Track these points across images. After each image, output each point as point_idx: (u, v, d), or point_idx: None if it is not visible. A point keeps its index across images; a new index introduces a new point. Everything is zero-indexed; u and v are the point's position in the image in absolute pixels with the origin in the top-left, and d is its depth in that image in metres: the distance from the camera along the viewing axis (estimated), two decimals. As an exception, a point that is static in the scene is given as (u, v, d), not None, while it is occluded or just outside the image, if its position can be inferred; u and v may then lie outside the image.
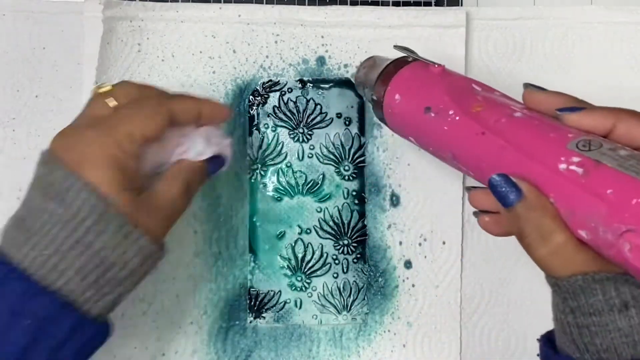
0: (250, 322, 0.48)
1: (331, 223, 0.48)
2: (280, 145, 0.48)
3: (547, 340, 0.34)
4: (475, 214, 0.37)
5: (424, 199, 0.48)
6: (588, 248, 0.30)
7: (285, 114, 0.49)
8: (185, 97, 0.40)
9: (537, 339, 0.35)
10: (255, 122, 0.48)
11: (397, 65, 0.41)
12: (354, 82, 0.46)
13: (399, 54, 0.42)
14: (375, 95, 0.41)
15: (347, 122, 0.49)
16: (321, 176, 0.48)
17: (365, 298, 0.48)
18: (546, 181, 0.30)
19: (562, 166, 0.30)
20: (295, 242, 0.48)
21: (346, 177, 0.48)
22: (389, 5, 0.49)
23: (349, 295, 0.48)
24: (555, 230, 0.30)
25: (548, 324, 0.35)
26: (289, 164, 0.48)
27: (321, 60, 0.49)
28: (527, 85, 0.35)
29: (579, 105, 0.32)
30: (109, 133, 0.34)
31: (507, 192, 0.31)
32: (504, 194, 0.31)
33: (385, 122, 0.42)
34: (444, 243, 0.48)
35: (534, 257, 0.31)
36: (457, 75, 0.40)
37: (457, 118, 0.35)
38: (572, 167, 0.29)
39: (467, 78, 0.40)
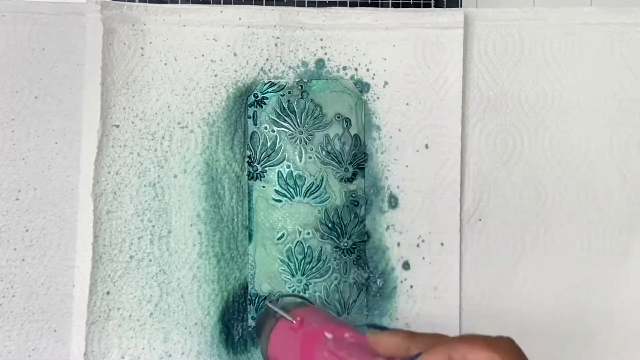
0: (251, 323, 0.48)
1: (330, 225, 0.49)
2: (280, 148, 0.49)
3: None
4: None
5: (422, 201, 0.48)
6: None
7: (284, 117, 0.49)
8: None
9: None
10: (256, 125, 0.49)
11: (270, 324, 0.42)
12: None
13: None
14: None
15: (346, 124, 0.49)
16: (320, 178, 0.49)
17: (365, 300, 0.48)
18: None
19: None
20: (295, 244, 0.48)
21: (345, 179, 0.49)
22: (388, 7, 0.49)
23: (348, 297, 0.48)
24: None
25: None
26: (288, 166, 0.49)
27: (320, 63, 0.49)
28: (369, 327, 0.36)
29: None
30: None
31: None
32: None
33: None
34: (442, 244, 0.48)
35: None
36: (313, 326, 0.39)
37: None
38: None
39: (320, 327, 0.38)
